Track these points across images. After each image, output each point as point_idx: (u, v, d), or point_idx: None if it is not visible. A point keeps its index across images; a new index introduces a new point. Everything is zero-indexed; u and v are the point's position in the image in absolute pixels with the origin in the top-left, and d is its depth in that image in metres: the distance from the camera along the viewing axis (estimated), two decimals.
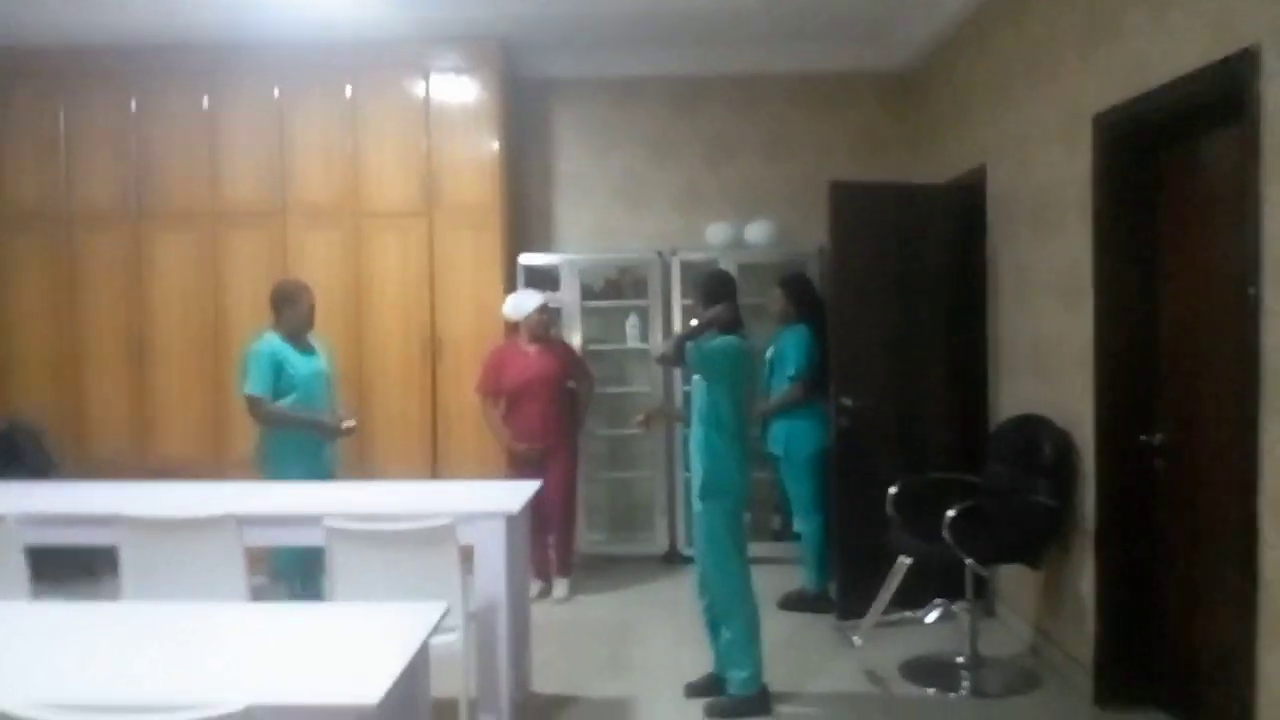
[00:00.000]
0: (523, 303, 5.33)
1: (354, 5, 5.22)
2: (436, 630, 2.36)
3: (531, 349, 5.31)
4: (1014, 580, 4.59)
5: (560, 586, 5.35)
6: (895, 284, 4.87)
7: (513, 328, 5.50)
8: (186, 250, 5.80)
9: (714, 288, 3.87)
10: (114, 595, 3.34)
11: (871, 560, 4.25)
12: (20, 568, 3.30)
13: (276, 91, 5.80)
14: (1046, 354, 4.29)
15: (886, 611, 4.17)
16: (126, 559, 3.33)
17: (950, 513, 3.82)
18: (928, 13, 5.42)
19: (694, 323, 3.81)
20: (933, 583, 4.22)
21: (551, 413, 5.31)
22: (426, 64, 5.80)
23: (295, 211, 5.80)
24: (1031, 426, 4.18)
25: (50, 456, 5.48)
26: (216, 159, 5.81)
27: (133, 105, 5.80)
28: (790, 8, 5.46)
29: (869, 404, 4.71)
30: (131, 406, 5.77)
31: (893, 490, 4.25)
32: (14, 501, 3.57)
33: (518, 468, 5.16)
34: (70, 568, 4.76)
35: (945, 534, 3.81)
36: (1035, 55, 4.37)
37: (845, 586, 4.67)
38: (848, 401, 4.68)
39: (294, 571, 4.35)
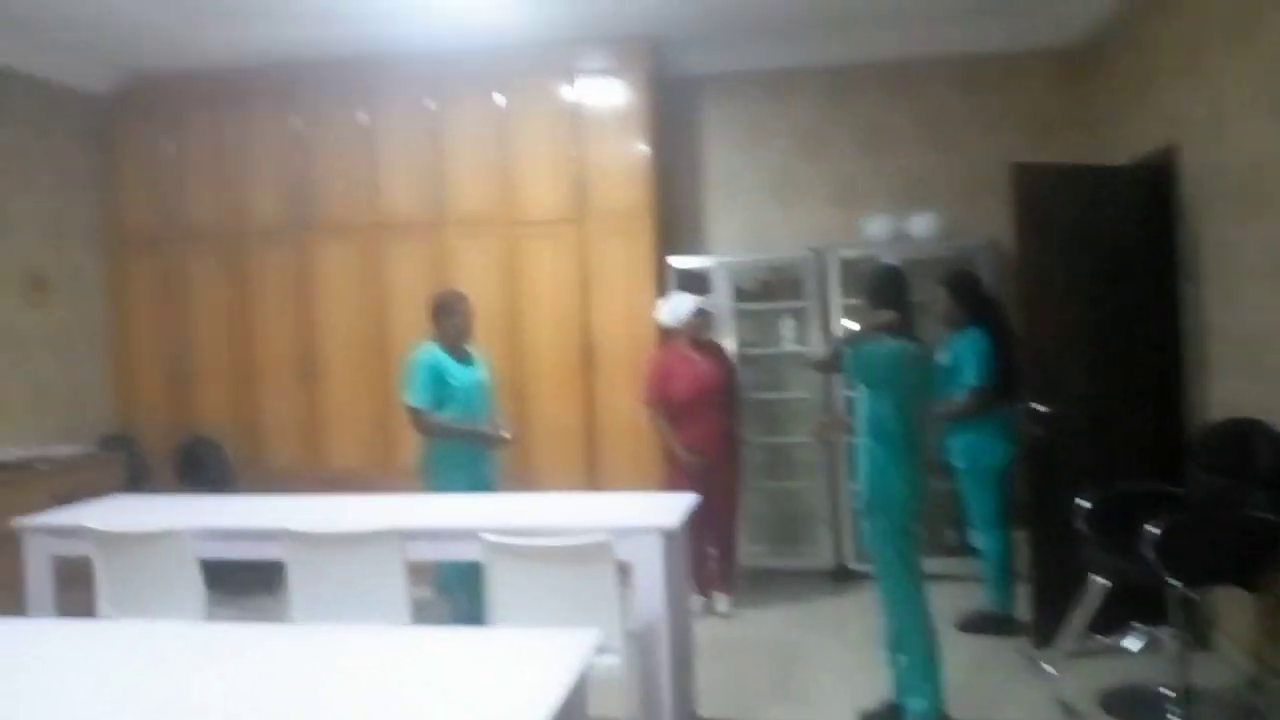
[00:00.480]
0: (679, 306, 5.16)
1: (500, 8, 5.22)
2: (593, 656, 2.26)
3: (697, 355, 5.13)
4: (1228, 604, 4.14)
5: (723, 602, 5.18)
6: (1084, 276, 4.43)
7: (666, 334, 5.37)
8: (349, 262, 5.95)
9: (882, 287, 3.60)
10: (283, 610, 3.40)
11: (1069, 580, 3.88)
12: (195, 581, 3.40)
13: (431, 104, 5.88)
14: (1260, 349, 3.84)
15: (1082, 637, 3.82)
16: (293, 574, 3.38)
17: (1152, 529, 3.44)
18: None
19: (845, 325, 3.64)
20: (1133, 606, 3.81)
21: (724, 420, 5.16)
22: (574, 66, 5.75)
23: (452, 221, 5.86)
24: (1244, 431, 3.73)
25: (229, 468, 5.72)
26: (375, 172, 5.93)
27: (295, 122, 6.00)
28: None
29: (1065, 409, 4.29)
30: (302, 417, 5.96)
31: (1084, 503, 3.89)
32: (189, 516, 3.69)
33: (684, 479, 4.86)
34: (250, 581, 4.95)
35: (1147, 552, 3.44)
36: (1238, 12, 3.92)
37: (1040, 609, 4.27)
38: (1042, 408, 4.28)
39: (458, 584, 4.35)
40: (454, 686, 2.11)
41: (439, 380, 4.47)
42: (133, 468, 5.59)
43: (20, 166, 5.61)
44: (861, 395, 3.56)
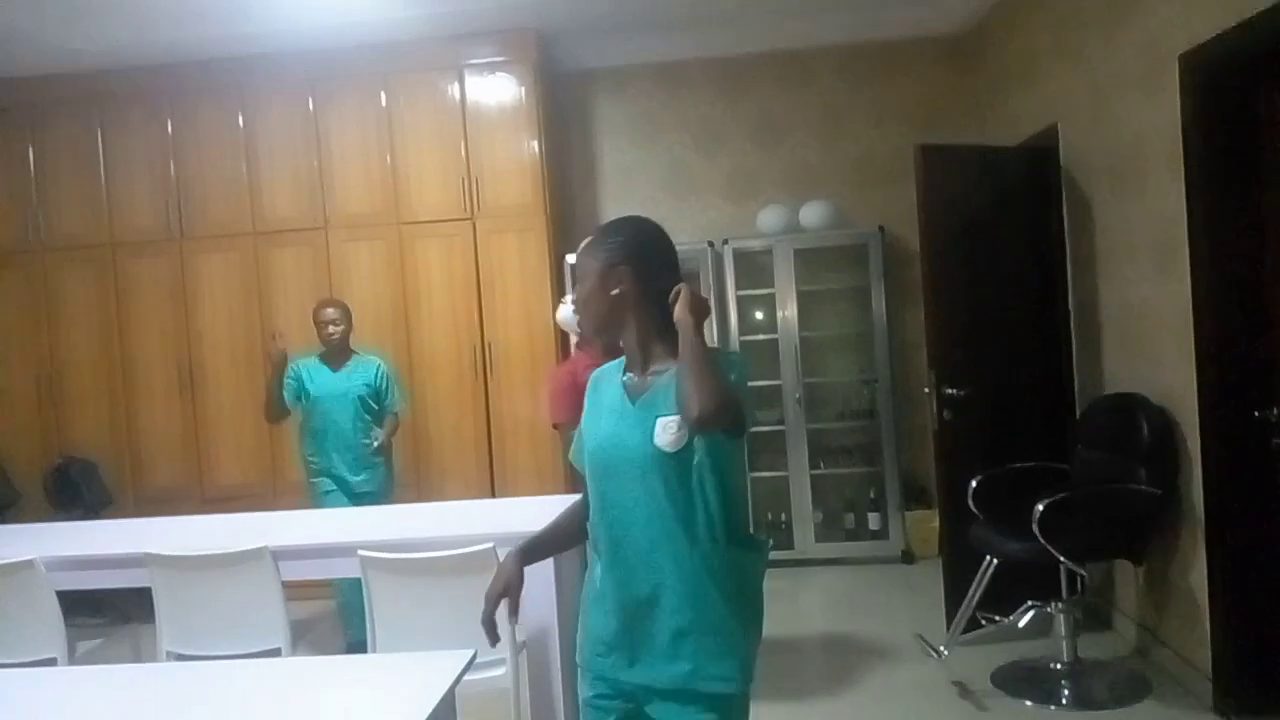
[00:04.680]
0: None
1: (380, 3, 5.05)
2: (468, 671, 2.15)
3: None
4: (1116, 577, 4.21)
5: None
6: (979, 255, 4.39)
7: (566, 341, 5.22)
8: (230, 271, 5.71)
9: (666, 249, 2.02)
10: (150, 638, 3.22)
11: (977, 562, 3.87)
12: (53, 615, 3.20)
13: (310, 103, 5.67)
14: (1137, 325, 3.91)
15: (974, 616, 3.84)
16: (161, 600, 3.21)
17: (1039, 506, 3.47)
18: None
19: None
20: (1026, 583, 3.84)
21: None
22: (460, 61, 5.60)
23: (336, 224, 5.67)
24: (1125, 406, 3.80)
25: (106, 491, 5.44)
26: (255, 176, 5.70)
27: (169, 127, 5.73)
28: None
29: (971, 392, 4.22)
30: (184, 435, 5.70)
31: (973, 484, 3.91)
32: (49, 544, 3.48)
33: None
34: (126, 605, 4.71)
35: (1035, 529, 3.46)
36: None
37: (951, 592, 4.18)
38: (952, 390, 4.21)
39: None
40: (314, 717, 1.98)
41: (298, 391, 4.58)
42: None
43: None
44: (702, 454, 1.86)
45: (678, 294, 1.88)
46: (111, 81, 5.70)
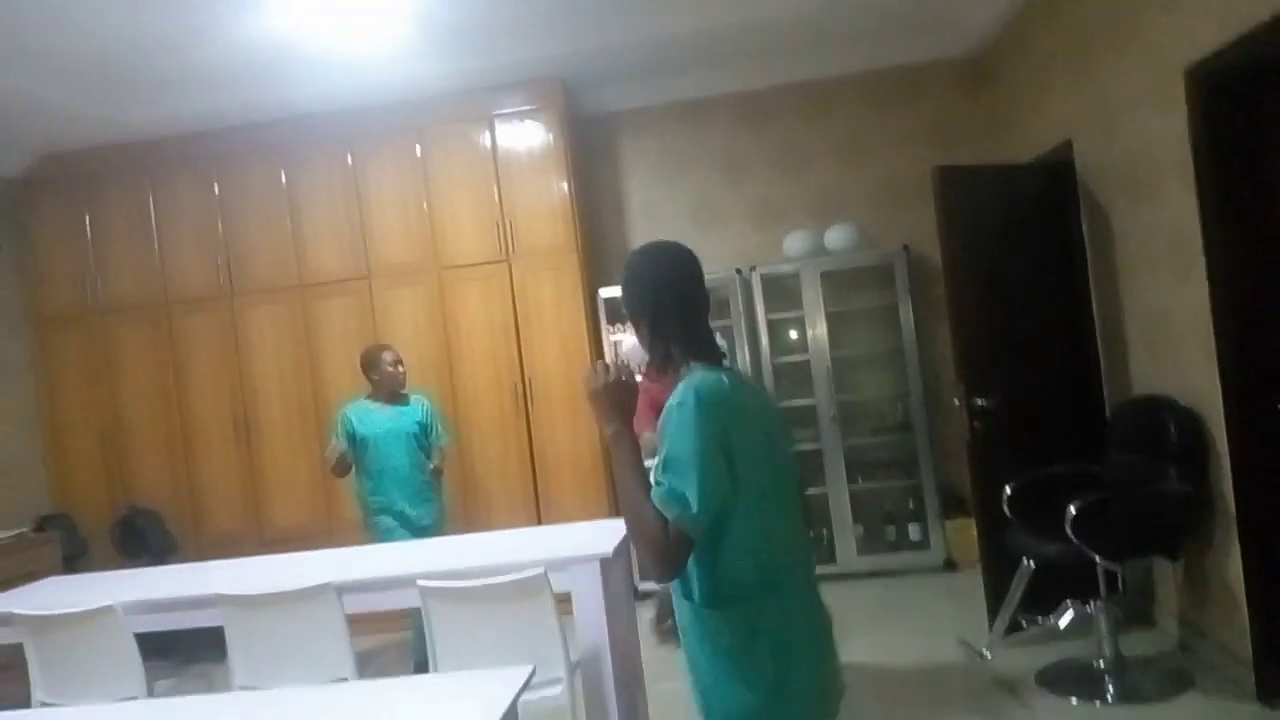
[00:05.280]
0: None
1: (415, 62, 5.31)
2: (527, 689, 2.29)
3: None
4: (1155, 574, 4.27)
5: None
6: (1002, 270, 4.52)
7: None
8: (280, 324, 5.95)
9: (644, 276, 2.08)
10: (227, 675, 3.40)
11: (1014, 566, 3.97)
12: (133, 657, 3.38)
13: (349, 159, 5.92)
14: (1160, 329, 4.00)
15: (1017, 618, 3.92)
16: (232, 637, 3.38)
17: (1072, 508, 3.56)
18: None
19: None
20: (1066, 585, 3.92)
21: None
22: (490, 112, 5.83)
23: (379, 273, 5.89)
24: (1153, 408, 3.89)
25: (170, 538, 5.66)
26: (299, 231, 5.95)
27: (216, 188, 6.00)
28: (848, 7, 5.31)
29: (1000, 401, 4.34)
30: (242, 481, 5.92)
31: (1007, 490, 4.00)
32: (123, 590, 3.66)
33: None
34: (198, 646, 4.90)
35: (1069, 531, 3.55)
36: (1114, 15, 4.11)
37: (992, 596, 4.28)
38: (981, 401, 4.33)
39: None
40: None
41: (349, 432, 4.72)
42: (70, 546, 5.50)
43: None
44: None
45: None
46: (160, 149, 6.00)
